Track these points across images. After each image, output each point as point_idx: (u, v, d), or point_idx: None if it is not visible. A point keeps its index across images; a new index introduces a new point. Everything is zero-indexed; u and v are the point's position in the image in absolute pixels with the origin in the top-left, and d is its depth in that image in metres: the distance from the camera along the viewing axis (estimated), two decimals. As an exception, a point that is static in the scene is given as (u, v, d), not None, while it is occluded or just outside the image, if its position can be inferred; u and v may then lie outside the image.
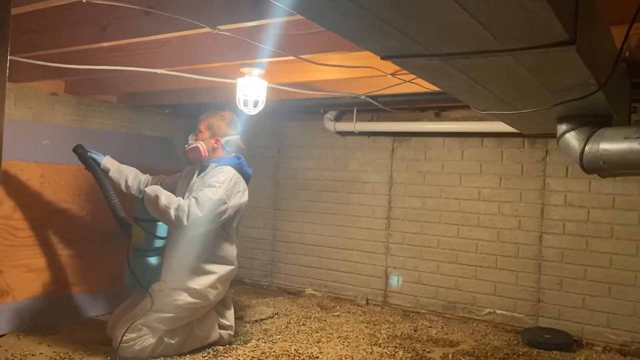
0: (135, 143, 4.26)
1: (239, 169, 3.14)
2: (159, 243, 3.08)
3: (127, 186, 3.28)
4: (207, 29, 2.07)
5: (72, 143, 3.80)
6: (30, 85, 3.72)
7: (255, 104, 3.02)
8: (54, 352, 2.98)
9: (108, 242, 3.81)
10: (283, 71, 3.11)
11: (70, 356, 2.92)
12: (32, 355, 2.92)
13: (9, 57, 1.30)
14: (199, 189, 3.00)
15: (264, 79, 3.00)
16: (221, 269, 3.13)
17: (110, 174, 3.24)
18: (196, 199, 2.91)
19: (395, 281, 4.33)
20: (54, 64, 2.80)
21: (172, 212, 2.84)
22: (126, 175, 3.30)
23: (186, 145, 3.24)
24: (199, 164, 3.26)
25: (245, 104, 3.00)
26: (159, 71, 2.84)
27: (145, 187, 3.20)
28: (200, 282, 3.04)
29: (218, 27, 2.06)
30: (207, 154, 3.18)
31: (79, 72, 2.91)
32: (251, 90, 2.97)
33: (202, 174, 3.16)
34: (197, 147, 3.17)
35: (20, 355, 2.89)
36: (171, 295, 2.97)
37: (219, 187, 2.97)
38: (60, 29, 2.53)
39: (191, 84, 3.28)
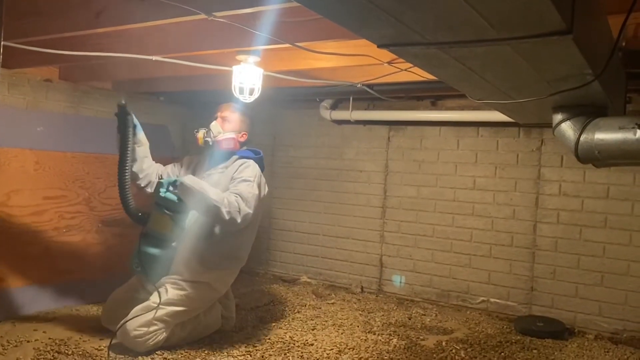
0: (130, 130, 4.24)
1: (260, 164, 3.18)
2: (180, 234, 2.95)
3: (141, 168, 3.08)
4: (202, 16, 2.05)
5: (66, 130, 3.80)
6: (23, 71, 3.69)
7: (251, 92, 3.00)
8: (49, 338, 2.99)
9: (102, 230, 3.81)
10: (279, 59, 3.10)
11: (65, 342, 2.93)
12: (28, 341, 2.93)
13: (2, 43, 1.29)
14: (232, 184, 2.97)
15: (260, 66, 2.98)
16: (236, 265, 3.18)
17: (140, 147, 3.03)
18: (239, 195, 2.88)
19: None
20: (47, 50, 2.78)
21: (224, 209, 2.78)
22: (145, 156, 3.12)
23: (217, 134, 3.18)
24: (209, 155, 3.24)
25: (241, 91, 2.98)
26: (153, 58, 2.82)
27: (157, 175, 3.16)
28: (215, 276, 3.07)
29: (214, 13, 2.05)
30: (236, 146, 3.21)
31: (73, 59, 2.89)
32: (247, 77, 2.96)
33: (221, 166, 3.15)
34: (233, 139, 3.19)
35: (15, 342, 2.90)
36: (186, 289, 2.95)
37: (253, 181, 3.00)
38: (54, 15, 2.50)
39: (186, 72, 3.26)
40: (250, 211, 2.90)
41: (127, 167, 2.83)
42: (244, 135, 3.26)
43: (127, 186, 2.82)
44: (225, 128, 3.20)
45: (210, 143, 3.18)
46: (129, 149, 2.86)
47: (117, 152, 2.90)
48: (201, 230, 3.01)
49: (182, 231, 2.90)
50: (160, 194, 2.82)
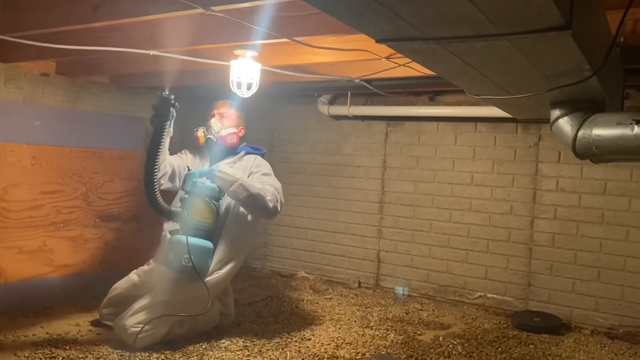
0: (128, 125, 4.23)
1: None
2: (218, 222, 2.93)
3: (162, 159, 3.01)
4: (200, 10, 2.04)
5: (63, 125, 3.79)
6: (20, 65, 3.67)
7: (249, 87, 2.99)
8: (47, 333, 2.99)
9: (100, 224, 3.81)
10: (277, 53, 3.09)
11: (63, 337, 2.93)
12: (25, 336, 2.93)
13: (-1, 37, 1.28)
14: (253, 177, 2.97)
15: (258, 61, 2.97)
16: (243, 257, 3.20)
17: (166, 138, 2.91)
18: (272, 185, 2.93)
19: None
20: (44, 44, 2.76)
21: (267, 198, 2.81)
22: (167, 147, 3.06)
23: (219, 131, 3.17)
24: (208, 152, 3.23)
25: (239, 86, 2.97)
26: (151, 52, 2.81)
27: (169, 165, 3.15)
28: (229, 269, 3.07)
29: (211, 7, 2.04)
30: (238, 140, 3.24)
31: (70, 53, 2.87)
32: (245, 72, 2.95)
33: (227, 161, 3.14)
34: (236, 133, 3.21)
35: (13, 337, 2.90)
36: (189, 288, 2.91)
37: (272, 174, 3.06)
38: (51, 8, 2.49)
39: (184, 66, 3.24)
40: (284, 201, 2.98)
41: (157, 163, 2.70)
42: (242, 130, 3.30)
43: (155, 182, 2.71)
44: (224, 124, 3.21)
45: (214, 139, 3.18)
46: (162, 145, 2.72)
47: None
48: (243, 226, 3.05)
49: (218, 219, 2.93)
50: (199, 183, 2.82)
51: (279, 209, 2.91)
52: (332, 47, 2.71)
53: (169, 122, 2.75)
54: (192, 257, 2.75)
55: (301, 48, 2.67)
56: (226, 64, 2.98)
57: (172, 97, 2.74)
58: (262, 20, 2.23)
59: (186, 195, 2.87)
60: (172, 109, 2.74)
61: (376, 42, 1.62)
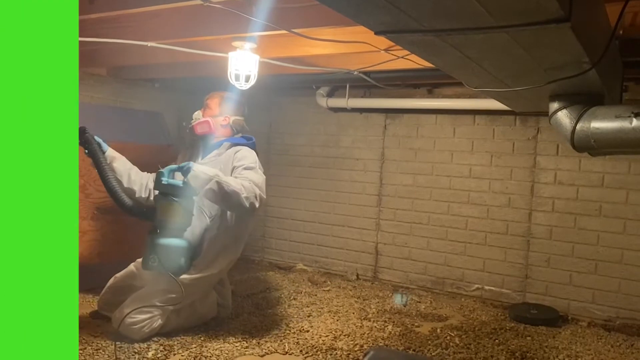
0: (125, 117, 4.22)
1: (252, 149, 3.15)
2: (190, 219, 2.89)
3: (130, 180, 3.04)
4: (198, 1, 2.04)
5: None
6: (17, 57, 3.65)
7: (247, 79, 2.99)
8: (46, 325, 2.99)
9: (98, 216, 3.80)
10: (275, 45, 3.08)
11: (61, 329, 2.93)
12: (24, 328, 2.93)
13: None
14: (236, 172, 2.93)
15: (256, 53, 2.97)
16: (240, 248, 3.18)
17: (114, 164, 2.98)
18: (251, 181, 2.84)
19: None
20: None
21: (243, 195, 2.74)
22: (130, 168, 3.08)
23: (193, 120, 3.18)
24: (202, 146, 3.23)
25: (237, 78, 2.96)
26: (149, 44, 2.80)
27: (144, 184, 3.13)
28: (226, 262, 3.07)
29: (209, -1, 2.03)
30: (214, 129, 3.16)
31: (67, 44, 2.86)
32: (243, 64, 2.94)
33: (213, 154, 3.13)
34: (207, 122, 3.15)
35: (11, 328, 2.90)
36: (185, 278, 2.92)
37: (256, 166, 3.00)
38: (47, 0, 2.48)
39: (182, 58, 3.23)
40: (264, 196, 2.90)
41: (108, 175, 2.84)
42: (227, 119, 3.19)
43: (116, 189, 2.80)
44: (206, 114, 3.19)
45: (187, 131, 3.21)
46: (102, 164, 2.86)
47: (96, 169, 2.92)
48: (232, 223, 3.04)
49: (191, 217, 2.87)
50: (163, 182, 2.77)
51: (256, 205, 2.80)
52: (330, 39, 2.70)
53: (92, 147, 2.88)
54: (158, 257, 2.75)
55: (300, 40, 2.66)
56: (224, 55, 2.97)
57: (83, 128, 2.89)
58: (260, 12, 2.22)
59: (157, 195, 2.86)
60: (86, 134, 2.88)
61: (375, 34, 1.62)
